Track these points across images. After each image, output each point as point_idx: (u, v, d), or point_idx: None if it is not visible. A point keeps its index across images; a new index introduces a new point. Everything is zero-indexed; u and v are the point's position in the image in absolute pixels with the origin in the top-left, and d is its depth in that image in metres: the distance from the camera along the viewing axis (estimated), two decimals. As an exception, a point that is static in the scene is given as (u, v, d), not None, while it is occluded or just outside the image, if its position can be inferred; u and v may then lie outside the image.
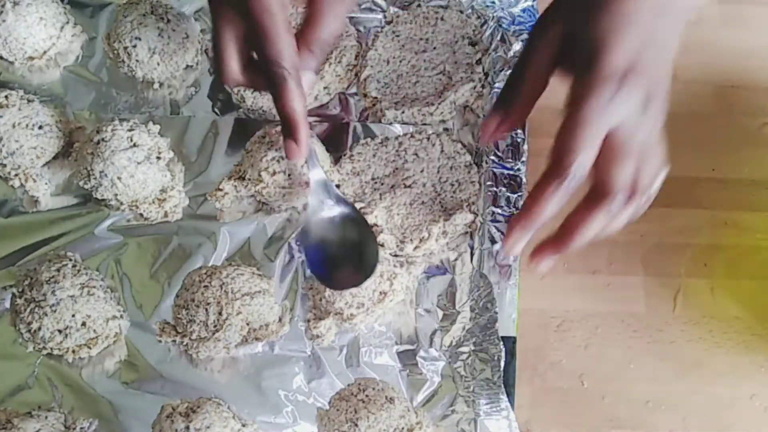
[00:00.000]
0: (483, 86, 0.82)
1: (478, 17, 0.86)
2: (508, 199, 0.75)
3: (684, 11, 0.61)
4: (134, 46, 0.81)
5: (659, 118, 0.59)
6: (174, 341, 0.70)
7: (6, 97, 0.77)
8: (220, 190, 0.76)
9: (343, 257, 0.71)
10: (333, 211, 0.72)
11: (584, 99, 0.57)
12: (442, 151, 0.79)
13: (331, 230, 0.71)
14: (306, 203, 0.73)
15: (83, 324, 0.69)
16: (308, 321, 0.72)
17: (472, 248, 0.74)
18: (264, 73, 0.65)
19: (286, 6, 0.64)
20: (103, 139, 0.74)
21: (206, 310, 0.69)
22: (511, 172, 0.77)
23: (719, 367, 0.73)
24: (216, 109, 0.82)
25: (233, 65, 0.67)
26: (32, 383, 0.69)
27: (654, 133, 0.59)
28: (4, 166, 0.77)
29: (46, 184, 0.78)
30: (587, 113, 0.57)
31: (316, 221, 0.71)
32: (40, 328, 0.68)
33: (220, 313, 0.69)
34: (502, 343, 0.69)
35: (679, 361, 0.73)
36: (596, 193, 0.59)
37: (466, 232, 0.75)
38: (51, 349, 0.69)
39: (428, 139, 0.79)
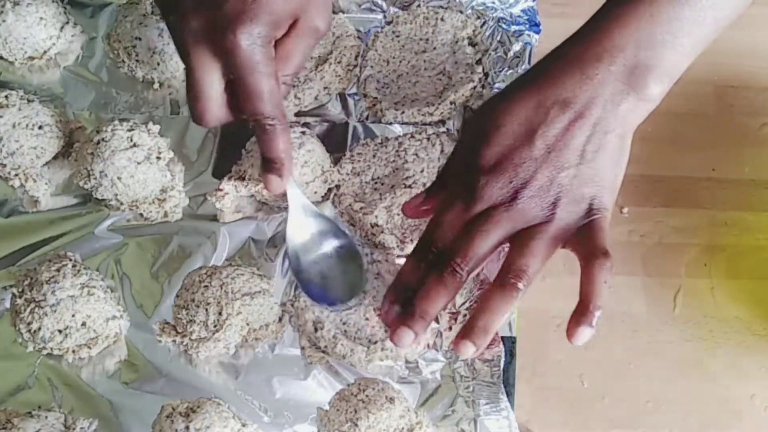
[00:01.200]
0: (483, 86, 0.82)
1: (478, 17, 0.86)
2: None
3: (613, 104, 0.62)
4: (134, 46, 0.81)
5: (556, 216, 0.61)
6: (174, 341, 0.70)
7: (6, 97, 0.77)
8: (220, 190, 0.76)
9: (331, 277, 0.72)
10: (312, 228, 0.72)
11: (455, 188, 0.64)
12: (442, 151, 0.78)
13: (313, 252, 0.72)
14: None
15: (83, 324, 0.69)
16: (303, 348, 0.71)
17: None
18: (248, 118, 0.66)
19: (273, 59, 0.65)
20: (103, 139, 0.74)
21: (206, 310, 0.69)
22: (511, 172, 0.77)
23: (719, 367, 0.73)
24: (216, 109, 0.82)
25: (214, 110, 0.66)
26: (32, 383, 0.69)
27: (540, 228, 0.61)
28: (4, 166, 0.77)
29: (46, 184, 0.78)
30: (453, 198, 0.63)
31: (298, 246, 0.72)
32: (40, 328, 0.68)
33: (220, 314, 0.69)
34: (501, 343, 0.69)
35: (679, 361, 0.73)
36: (436, 262, 0.63)
37: (466, 232, 0.75)
38: (51, 349, 0.69)
39: (428, 139, 0.79)
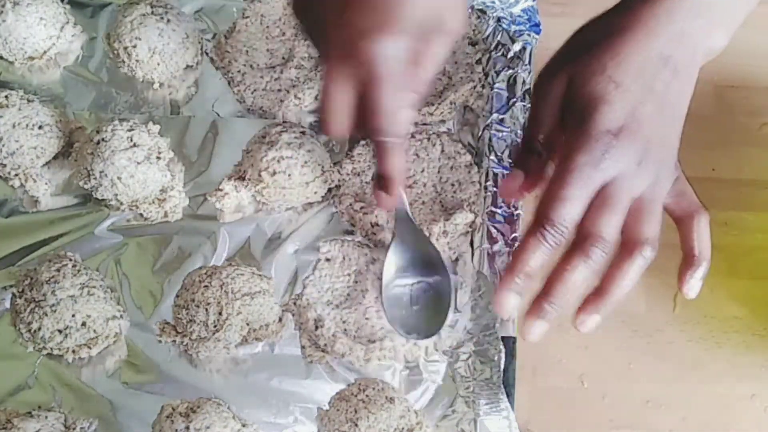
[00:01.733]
0: (483, 86, 0.82)
1: (478, 17, 0.86)
2: (508, 198, 0.76)
3: (695, 64, 0.60)
4: (134, 46, 0.81)
5: (661, 177, 0.58)
6: (174, 341, 0.70)
7: (6, 97, 0.77)
8: (220, 190, 0.76)
9: (416, 307, 0.71)
10: (413, 255, 0.71)
11: (573, 156, 0.56)
12: (442, 151, 0.79)
13: (405, 279, 0.72)
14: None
15: (83, 324, 0.69)
16: (303, 347, 0.71)
17: (472, 248, 0.74)
18: (369, 134, 0.63)
19: (404, 66, 0.59)
20: (103, 139, 0.74)
21: (206, 310, 0.69)
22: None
23: (719, 367, 0.73)
24: (216, 109, 0.82)
25: (343, 121, 0.62)
26: (32, 383, 0.69)
27: (655, 190, 0.58)
28: (4, 166, 0.77)
29: (46, 184, 0.78)
30: (574, 170, 0.56)
31: (392, 272, 0.71)
32: (40, 328, 0.68)
33: (220, 313, 0.69)
34: (502, 343, 0.69)
35: (679, 361, 0.73)
36: (575, 244, 0.57)
37: (467, 232, 0.75)
38: (51, 349, 0.69)
39: (428, 139, 0.79)
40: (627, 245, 0.58)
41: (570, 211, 0.56)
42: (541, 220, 0.56)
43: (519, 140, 0.78)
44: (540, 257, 0.56)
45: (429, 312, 0.71)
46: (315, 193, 0.77)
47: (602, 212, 0.56)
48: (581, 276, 0.56)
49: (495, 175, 0.77)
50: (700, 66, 0.61)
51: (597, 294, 0.58)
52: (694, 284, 0.60)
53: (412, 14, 0.58)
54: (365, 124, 0.61)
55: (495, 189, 0.76)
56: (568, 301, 0.57)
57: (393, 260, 0.71)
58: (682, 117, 0.60)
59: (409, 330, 0.70)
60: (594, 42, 0.59)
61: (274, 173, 0.74)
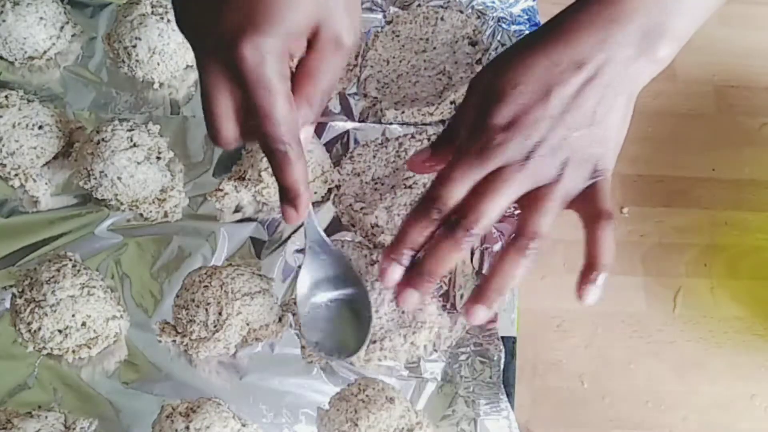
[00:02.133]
0: (483, 86, 0.82)
1: (478, 17, 0.86)
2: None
3: (623, 72, 0.61)
4: (134, 46, 0.81)
5: (564, 177, 0.60)
6: (174, 341, 0.70)
7: (6, 97, 0.77)
8: (220, 190, 0.76)
9: (336, 324, 0.68)
10: (327, 270, 0.67)
11: (465, 144, 0.62)
12: (442, 151, 0.79)
13: (322, 295, 0.68)
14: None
15: (83, 324, 0.69)
16: (303, 348, 0.71)
17: (472, 248, 0.74)
18: (261, 144, 0.60)
19: (286, 76, 0.58)
20: (103, 139, 0.74)
21: (206, 310, 0.69)
22: (511, 172, 0.77)
23: (719, 367, 0.73)
24: (216, 109, 0.82)
25: (230, 128, 0.59)
26: (32, 383, 0.69)
27: (553, 189, 0.60)
28: (4, 166, 0.77)
29: (46, 184, 0.78)
30: (462, 156, 0.61)
31: (307, 287, 0.67)
32: (40, 328, 0.68)
33: (220, 314, 0.69)
34: (501, 343, 0.69)
35: (679, 361, 0.73)
36: (444, 225, 0.61)
37: (466, 232, 0.75)
38: (51, 349, 0.69)
39: (428, 139, 0.79)
40: (515, 237, 0.61)
41: (452, 190, 0.60)
42: (427, 197, 0.61)
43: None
44: (422, 231, 0.61)
45: (350, 329, 0.67)
46: (315, 193, 0.77)
47: (483, 197, 0.60)
48: (445, 252, 0.60)
49: (495, 175, 0.76)
50: (644, 75, 0.62)
51: (483, 284, 0.61)
52: (591, 290, 0.60)
53: (294, 18, 0.56)
54: (256, 132, 0.58)
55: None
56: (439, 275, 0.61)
57: (306, 278, 0.67)
58: (606, 123, 0.61)
59: (331, 351, 0.66)
60: (522, 43, 0.63)
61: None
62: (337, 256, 0.68)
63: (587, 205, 0.62)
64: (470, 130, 0.62)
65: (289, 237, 0.76)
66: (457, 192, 0.60)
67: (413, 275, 0.61)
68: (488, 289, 0.60)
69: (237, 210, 0.77)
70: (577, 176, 0.61)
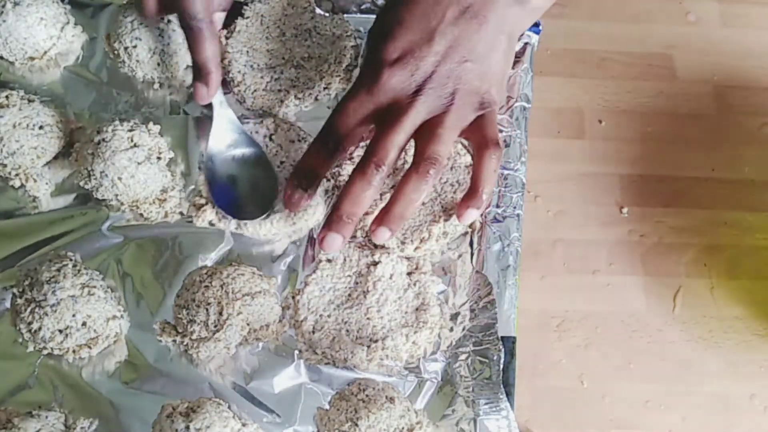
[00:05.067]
0: (483, 86, 0.82)
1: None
2: (509, 199, 0.76)
3: (499, 11, 0.68)
4: (134, 47, 0.81)
5: (453, 108, 0.66)
6: (174, 341, 0.70)
7: (6, 97, 0.77)
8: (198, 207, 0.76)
9: (246, 193, 0.75)
10: (238, 149, 0.76)
11: (355, 82, 0.69)
12: (442, 151, 0.79)
13: (235, 167, 0.76)
14: None
15: (84, 324, 0.69)
16: (300, 351, 0.71)
17: (471, 248, 0.75)
18: (179, 21, 0.71)
19: None
20: (103, 140, 0.74)
21: (207, 310, 0.69)
22: (511, 172, 0.77)
23: (719, 367, 0.73)
24: (216, 109, 0.82)
25: (150, 3, 0.75)
26: (32, 383, 0.69)
27: (443, 119, 0.66)
28: (5, 166, 0.77)
29: (46, 184, 0.78)
30: (352, 92, 0.68)
31: (222, 158, 0.76)
32: (40, 328, 0.68)
33: (220, 314, 0.69)
34: (501, 343, 0.69)
35: (679, 361, 0.73)
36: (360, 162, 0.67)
37: (466, 233, 0.75)
38: (51, 349, 0.69)
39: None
40: (414, 163, 0.66)
41: (346, 121, 0.68)
42: (323, 130, 0.69)
43: (519, 140, 0.78)
44: (322, 163, 0.70)
45: (256, 193, 0.75)
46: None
47: (383, 134, 0.66)
48: (359, 190, 0.66)
49: (495, 175, 0.77)
50: (522, 22, 0.71)
51: (387, 208, 0.67)
52: (468, 213, 0.68)
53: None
54: (175, 6, 0.70)
55: (495, 189, 0.76)
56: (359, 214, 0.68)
57: (214, 145, 0.76)
58: (489, 60, 0.68)
59: (237, 212, 0.74)
60: None
61: (274, 173, 0.75)
62: (243, 133, 0.76)
63: (476, 133, 0.68)
64: (363, 69, 0.69)
65: (289, 237, 0.76)
66: (350, 120, 0.67)
67: (333, 219, 0.67)
68: (392, 212, 0.67)
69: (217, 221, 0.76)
70: (465, 105, 0.67)
